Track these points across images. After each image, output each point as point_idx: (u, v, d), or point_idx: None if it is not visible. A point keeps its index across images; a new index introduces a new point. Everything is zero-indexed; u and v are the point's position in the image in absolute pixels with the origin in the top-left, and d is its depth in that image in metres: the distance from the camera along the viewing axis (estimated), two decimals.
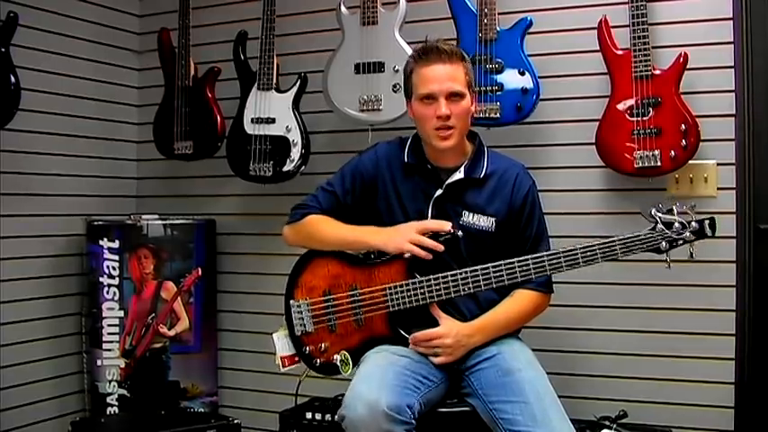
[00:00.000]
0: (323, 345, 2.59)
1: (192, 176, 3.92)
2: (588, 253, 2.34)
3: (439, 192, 2.55)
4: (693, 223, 2.28)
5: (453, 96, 2.47)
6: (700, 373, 3.04)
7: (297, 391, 2.84)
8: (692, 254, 2.31)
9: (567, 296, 3.08)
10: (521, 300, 2.53)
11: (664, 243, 2.30)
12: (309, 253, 2.67)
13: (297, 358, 2.67)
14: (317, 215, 2.66)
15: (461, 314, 2.52)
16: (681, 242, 2.29)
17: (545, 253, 2.39)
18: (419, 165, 2.60)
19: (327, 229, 2.62)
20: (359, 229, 2.59)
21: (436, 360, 2.45)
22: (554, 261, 2.36)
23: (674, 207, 2.31)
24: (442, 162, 2.58)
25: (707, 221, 2.29)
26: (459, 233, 2.48)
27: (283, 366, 2.66)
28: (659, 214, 2.31)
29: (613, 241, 2.32)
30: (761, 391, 2.98)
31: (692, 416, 3.04)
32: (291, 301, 2.65)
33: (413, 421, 2.24)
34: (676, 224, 2.29)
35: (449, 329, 2.45)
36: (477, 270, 2.41)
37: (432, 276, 2.45)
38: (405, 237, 2.46)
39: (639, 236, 2.31)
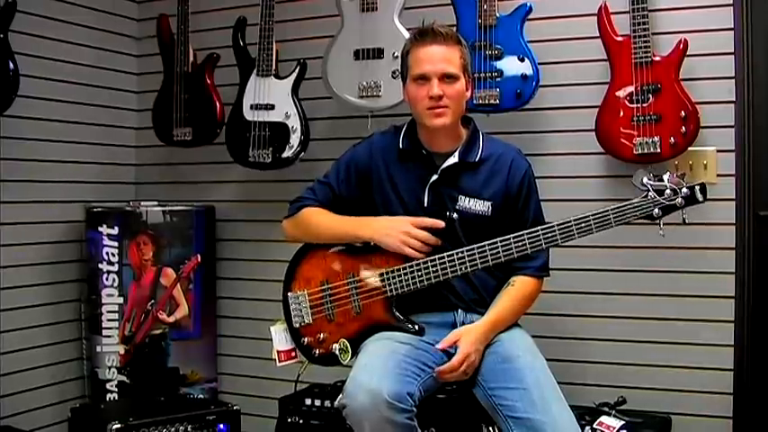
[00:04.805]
0: (321, 335, 2.58)
1: (192, 163, 3.91)
2: (582, 224, 2.33)
3: (434, 177, 2.55)
4: (684, 189, 2.28)
5: (447, 78, 2.47)
6: (699, 359, 3.05)
7: (297, 378, 2.84)
8: (684, 219, 2.31)
9: (566, 283, 3.09)
10: (521, 289, 2.51)
11: (656, 210, 2.29)
12: (306, 244, 2.67)
13: (294, 354, 2.66)
14: (312, 207, 2.66)
15: (457, 296, 2.53)
16: (673, 208, 2.29)
17: (539, 227, 2.38)
18: (414, 151, 2.59)
19: (321, 223, 2.62)
20: (351, 221, 2.59)
21: (466, 377, 2.41)
22: (549, 234, 2.36)
23: (664, 175, 2.31)
24: (436, 147, 2.57)
25: (698, 187, 2.29)
26: (455, 215, 2.49)
27: (279, 361, 2.65)
28: (650, 182, 2.30)
29: (606, 210, 2.32)
30: (760, 377, 2.99)
31: (691, 402, 3.05)
32: (289, 294, 2.65)
33: (413, 409, 2.24)
34: (668, 191, 2.29)
35: (468, 345, 2.39)
36: (473, 249, 2.41)
37: (428, 258, 2.44)
38: (398, 238, 2.46)
39: (632, 203, 2.31)
